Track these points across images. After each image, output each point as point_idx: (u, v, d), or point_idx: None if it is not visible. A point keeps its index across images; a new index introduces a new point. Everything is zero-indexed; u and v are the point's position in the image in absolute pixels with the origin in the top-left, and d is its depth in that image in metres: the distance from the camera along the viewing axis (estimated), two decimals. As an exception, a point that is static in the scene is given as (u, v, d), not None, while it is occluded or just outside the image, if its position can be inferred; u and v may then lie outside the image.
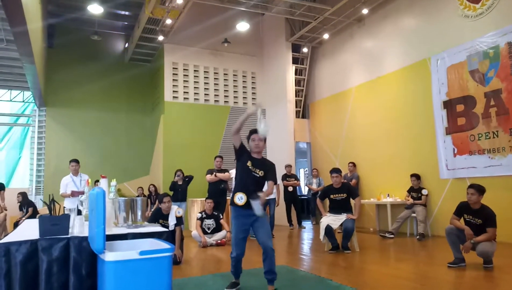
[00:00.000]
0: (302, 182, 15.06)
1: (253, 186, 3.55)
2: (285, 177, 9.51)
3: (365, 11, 9.14)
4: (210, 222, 7.07)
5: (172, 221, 5.37)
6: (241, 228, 3.64)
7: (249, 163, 3.62)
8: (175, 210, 5.43)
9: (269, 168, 3.69)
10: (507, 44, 6.41)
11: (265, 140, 3.69)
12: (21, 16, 5.71)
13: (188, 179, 8.28)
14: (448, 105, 7.35)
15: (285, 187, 9.44)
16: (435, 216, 7.52)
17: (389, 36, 8.90)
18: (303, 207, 12.01)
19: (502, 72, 6.47)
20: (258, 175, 3.63)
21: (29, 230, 2.87)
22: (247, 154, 3.69)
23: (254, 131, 3.63)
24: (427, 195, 7.51)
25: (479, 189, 4.51)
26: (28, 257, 2.29)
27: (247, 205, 3.47)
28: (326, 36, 10.52)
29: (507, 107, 6.38)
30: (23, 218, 8.22)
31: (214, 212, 7.13)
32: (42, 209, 9.54)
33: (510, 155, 6.31)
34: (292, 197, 9.57)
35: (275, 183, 3.77)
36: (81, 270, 2.39)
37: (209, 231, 7.02)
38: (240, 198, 3.57)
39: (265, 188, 3.69)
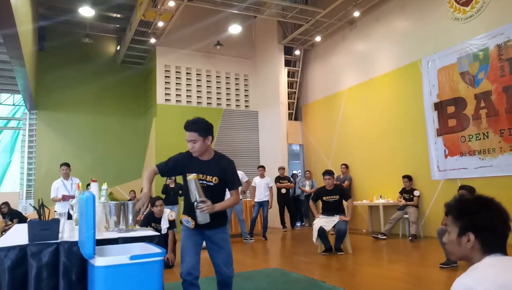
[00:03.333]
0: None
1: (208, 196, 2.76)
2: (278, 179, 9.51)
3: (356, 13, 9.19)
4: (203, 225, 7.03)
5: (164, 225, 5.35)
6: (192, 237, 2.82)
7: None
8: (168, 214, 5.40)
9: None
10: (496, 47, 6.48)
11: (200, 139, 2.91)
12: (11, 18, 5.66)
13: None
14: (439, 106, 7.41)
15: (278, 189, 9.44)
16: (427, 217, 7.57)
17: (380, 39, 8.95)
18: (295, 209, 12.00)
19: (492, 74, 6.54)
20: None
21: (18, 235, 2.83)
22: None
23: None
24: (419, 196, 7.55)
25: (471, 190, 4.56)
26: (17, 263, 2.26)
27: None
28: (318, 38, 10.56)
29: (497, 108, 6.45)
30: (6, 228, 8.04)
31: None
32: (31, 214, 9.42)
33: (500, 156, 6.37)
34: (285, 199, 9.56)
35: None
36: (71, 275, 2.35)
37: (202, 234, 6.98)
38: (186, 222, 2.82)
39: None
